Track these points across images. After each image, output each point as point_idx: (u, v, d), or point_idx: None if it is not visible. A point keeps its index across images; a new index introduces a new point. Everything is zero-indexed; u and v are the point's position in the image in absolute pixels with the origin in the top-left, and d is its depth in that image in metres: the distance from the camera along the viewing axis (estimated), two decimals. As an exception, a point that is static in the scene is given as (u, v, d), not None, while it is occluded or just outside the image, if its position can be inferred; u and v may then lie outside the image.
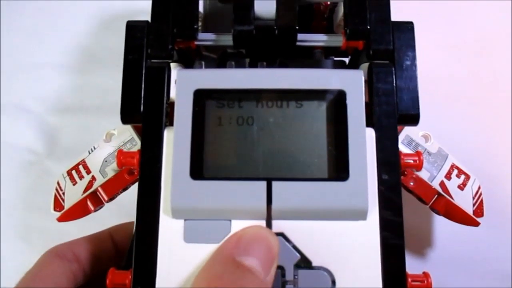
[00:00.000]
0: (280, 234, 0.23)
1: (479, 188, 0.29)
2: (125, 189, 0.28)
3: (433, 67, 0.38)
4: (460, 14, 0.40)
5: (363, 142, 0.23)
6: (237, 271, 0.20)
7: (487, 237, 0.36)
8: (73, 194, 0.28)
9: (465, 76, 0.39)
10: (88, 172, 0.28)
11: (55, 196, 0.29)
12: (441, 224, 0.36)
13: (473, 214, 0.29)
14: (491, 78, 0.39)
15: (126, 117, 0.25)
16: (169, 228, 0.23)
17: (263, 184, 0.23)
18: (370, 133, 0.24)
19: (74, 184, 0.28)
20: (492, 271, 0.35)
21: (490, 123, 0.38)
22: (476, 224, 0.29)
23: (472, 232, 0.34)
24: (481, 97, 0.38)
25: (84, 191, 0.28)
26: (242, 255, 0.21)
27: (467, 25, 0.40)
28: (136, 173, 0.25)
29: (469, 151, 0.36)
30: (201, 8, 0.28)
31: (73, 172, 0.29)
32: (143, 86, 0.24)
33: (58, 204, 0.29)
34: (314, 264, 0.23)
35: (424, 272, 0.23)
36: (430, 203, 0.28)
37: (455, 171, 0.29)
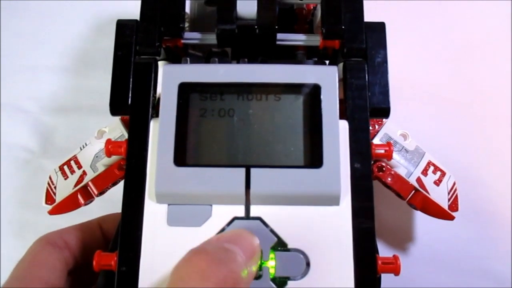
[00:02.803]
0: (258, 218, 0.24)
1: (454, 184, 0.30)
2: (114, 183, 0.29)
3: (416, 71, 0.40)
4: (444, 17, 0.41)
5: (336, 133, 0.24)
6: (221, 249, 0.21)
7: (466, 234, 0.37)
8: (64, 188, 0.29)
9: (447, 79, 0.40)
10: (79, 167, 0.29)
11: (47, 189, 0.30)
12: (422, 222, 0.37)
13: (448, 208, 0.30)
14: (472, 81, 0.40)
15: (115, 108, 0.26)
16: (153, 212, 0.24)
17: (242, 170, 0.24)
18: (344, 125, 0.25)
19: (65, 179, 0.30)
20: (472, 268, 0.36)
21: (470, 124, 0.39)
22: (451, 218, 0.30)
23: (451, 229, 0.36)
24: (462, 100, 0.39)
25: (75, 185, 0.29)
26: (226, 243, 0.21)
27: (451, 29, 0.41)
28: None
29: (451, 151, 0.37)
30: (188, 10, 0.30)
31: (65, 167, 0.30)
32: (131, 80, 0.26)
33: (49, 198, 0.30)
34: (290, 246, 0.24)
35: (394, 255, 0.24)
36: (408, 198, 0.29)
37: (431, 168, 0.30)
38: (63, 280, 0.25)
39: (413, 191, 0.29)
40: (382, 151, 0.26)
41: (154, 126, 0.25)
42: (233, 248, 0.21)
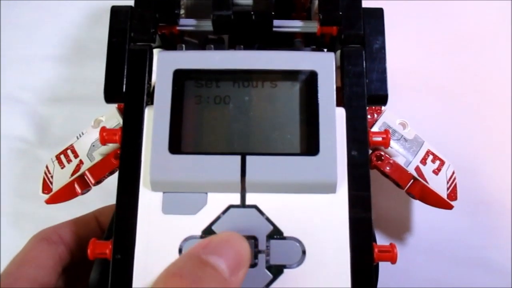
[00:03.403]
0: (254, 207, 0.24)
1: (453, 173, 0.30)
2: (111, 172, 0.28)
3: (416, 61, 0.40)
4: (442, 12, 0.41)
5: (333, 120, 0.24)
6: (199, 266, 0.20)
7: (465, 224, 0.37)
8: (61, 177, 0.29)
9: (448, 69, 0.40)
10: (76, 156, 0.29)
11: (44, 179, 0.30)
12: (420, 211, 0.37)
13: (447, 197, 0.30)
14: (473, 71, 0.39)
15: (109, 96, 0.26)
16: (148, 200, 0.24)
17: (238, 158, 0.24)
18: (341, 112, 0.25)
19: (62, 168, 0.29)
20: (470, 258, 0.36)
21: (470, 115, 0.39)
22: (450, 207, 0.30)
23: (450, 219, 0.36)
24: (462, 90, 0.39)
25: (72, 175, 0.29)
26: (209, 254, 0.20)
27: (451, 18, 0.41)
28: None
29: (450, 141, 0.37)
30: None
31: (62, 156, 0.30)
32: (126, 67, 0.26)
33: (46, 187, 0.29)
34: (286, 234, 0.24)
35: (390, 243, 0.24)
36: (406, 187, 0.29)
37: (430, 157, 0.30)
38: (54, 277, 0.25)
39: (412, 180, 0.29)
40: (380, 139, 0.25)
41: (149, 113, 0.25)
42: (214, 262, 0.20)
